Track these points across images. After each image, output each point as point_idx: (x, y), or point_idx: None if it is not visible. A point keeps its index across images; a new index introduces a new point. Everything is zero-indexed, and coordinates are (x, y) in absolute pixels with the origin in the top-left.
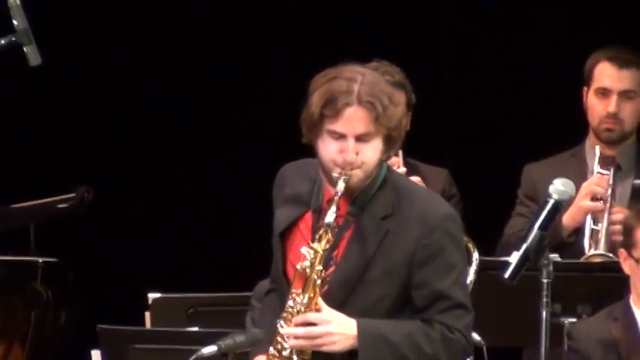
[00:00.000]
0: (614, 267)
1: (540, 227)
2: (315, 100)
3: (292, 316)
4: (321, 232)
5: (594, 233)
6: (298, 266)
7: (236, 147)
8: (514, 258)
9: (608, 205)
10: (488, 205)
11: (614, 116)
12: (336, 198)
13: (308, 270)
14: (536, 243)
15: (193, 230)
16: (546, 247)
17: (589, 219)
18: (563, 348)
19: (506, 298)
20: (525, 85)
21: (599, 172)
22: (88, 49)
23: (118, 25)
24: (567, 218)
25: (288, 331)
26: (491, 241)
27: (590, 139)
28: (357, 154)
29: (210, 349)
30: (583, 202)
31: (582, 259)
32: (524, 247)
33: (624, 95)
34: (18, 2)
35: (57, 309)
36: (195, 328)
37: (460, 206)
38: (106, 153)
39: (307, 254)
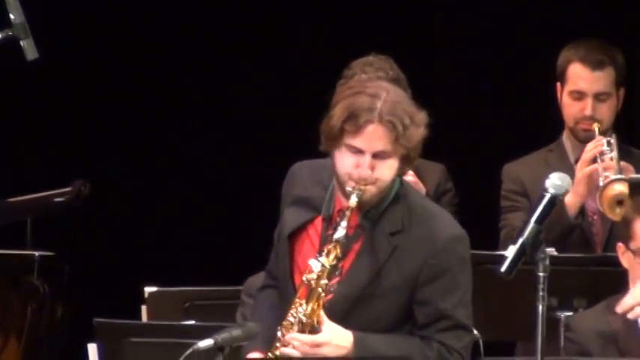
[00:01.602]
0: (609, 261)
1: (537, 221)
2: (338, 114)
3: (293, 325)
4: (330, 246)
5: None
6: (304, 278)
7: (235, 142)
8: (510, 252)
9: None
10: (484, 200)
11: (590, 118)
12: (347, 213)
13: (313, 282)
14: (533, 237)
15: (189, 224)
16: (542, 241)
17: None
18: (558, 341)
19: (503, 292)
20: (523, 80)
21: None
22: (85, 41)
23: (116, 18)
24: (570, 195)
25: (288, 342)
26: (486, 236)
27: (566, 133)
28: (372, 170)
29: (206, 343)
30: (582, 169)
31: (602, 184)
32: (520, 241)
33: (598, 97)
34: None
35: (53, 303)
36: (192, 322)
37: (455, 201)
38: (102, 147)
39: (314, 267)
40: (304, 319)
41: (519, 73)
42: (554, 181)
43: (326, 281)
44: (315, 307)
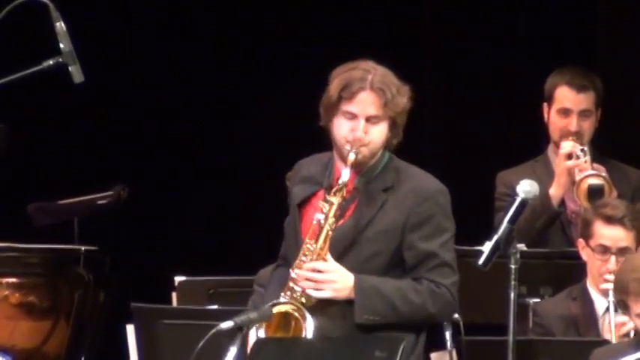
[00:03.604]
0: (571, 255)
1: (509, 221)
2: (334, 85)
3: (304, 262)
4: (336, 188)
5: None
6: (315, 217)
7: (256, 138)
8: (486, 247)
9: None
10: (468, 200)
11: (575, 133)
12: (349, 164)
13: (322, 220)
14: (506, 234)
15: (214, 221)
16: (514, 238)
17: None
18: (527, 323)
19: (480, 282)
20: (508, 87)
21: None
22: (125, 62)
23: (143, 36)
24: (553, 187)
25: (300, 273)
26: (471, 232)
27: (551, 147)
28: (365, 133)
29: (227, 324)
30: (562, 163)
31: (578, 179)
32: (495, 238)
33: (582, 115)
34: (64, 28)
35: (96, 290)
36: (215, 306)
37: None
38: (138, 154)
39: (323, 207)
40: (315, 256)
41: (507, 85)
42: (524, 187)
43: (333, 219)
44: (323, 245)
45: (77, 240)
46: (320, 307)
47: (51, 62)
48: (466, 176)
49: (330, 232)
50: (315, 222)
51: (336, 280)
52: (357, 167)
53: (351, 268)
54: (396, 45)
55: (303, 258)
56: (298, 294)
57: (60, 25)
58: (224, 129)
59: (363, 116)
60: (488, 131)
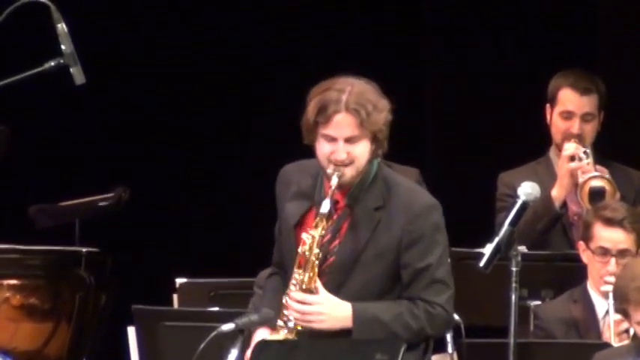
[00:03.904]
0: (572, 257)
1: (510, 223)
2: (311, 109)
3: (294, 291)
4: (317, 220)
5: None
6: (299, 250)
7: (257, 140)
8: (487, 250)
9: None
10: (465, 202)
11: (577, 136)
12: (330, 191)
13: (307, 253)
14: (507, 237)
15: (216, 223)
16: (515, 241)
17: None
18: (528, 326)
19: (481, 284)
20: (504, 91)
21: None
22: (122, 66)
23: (144, 41)
24: (555, 189)
25: (289, 303)
26: (467, 235)
27: (553, 149)
28: (347, 153)
29: (228, 326)
30: (565, 165)
31: (581, 181)
32: (496, 240)
33: (585, 118)
34: (65, 29)
35: (98, 292)
36: (216, 308)
37: None
38: (138, 157)
39: (306, 239)
40: (304, 286)
41: (508, 86)
42: (526, 189)
43: (317, 250)
44: (312, 274)
45: (78, 242)
46: (317, 331)
47: (52, 64)
48: (467, 178)
49: (316, 262)
50: (300, 252)
51: (323, 312)
52: (345, 186)
53: (351, 296)
54: (396, 45)
55: (292, 287)
56: (292, 324)
57: (61, 27)
58: (226, 131)
59: (341, 138)
60: (489, 133)
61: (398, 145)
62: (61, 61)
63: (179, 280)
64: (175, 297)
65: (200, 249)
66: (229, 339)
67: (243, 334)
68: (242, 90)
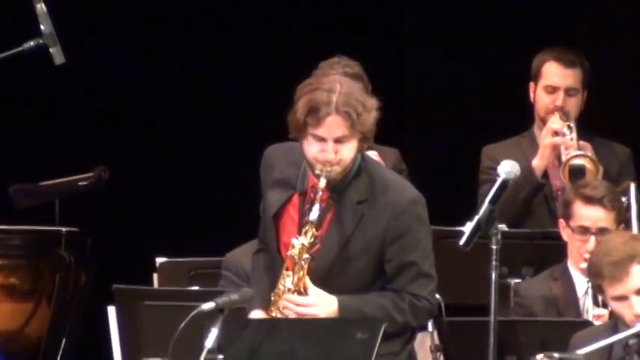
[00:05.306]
0: (552, 235)
1: (490, 201)
2: (300, 108)
3: (283, 293)
4: (306, 227)
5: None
6: (288, 254)
7: (237, 116)
8: (468, 228)
9: (569, 136)
10: (445, 181)
11: (560, 109)
12: (317, 196)
13: (296, 257)
14: (487, 215)
15: (195, 202)
16: (495, 219)
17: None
18: (509, 304)
19: (462, 262)
20: (482, 74)
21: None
22: (109, 45)
23: (129, 24)
24: (536, 160)
25: (283, 302)
26: (446, 212)
27: (537, 125)
28: (335, 153)
29: (208, 305)
30: (547, 140)
31: (564, 159)
32: (476, 218)
33: (568, 92)
34: (44, 9)
35: (78, 271)
36: (196, 288)
37: (408, 179)
38: (117, 138)
39: (296, 245)
40: (292, 287)
41: (488, 66)
42: (506, 168)
43: (307, 255)
44: (300, 275)
45: (58, 222)
46: None
47: (32, 44)
48: (447, 157)
49: (305, 266)
50: (289, 256)
51: (318, 313)
52: (330, 182)
53: (336, 290)
54: (375, 22)
55: (281, 287)
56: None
57: (41, 7)
58: (202, 109)
59: (331, 139)
60: (469, 111)
61: (377, 124)
62: (41, 41)
63: (159, 260)
64: (155, 276)
65: (180, 228)
66: (209, 318)
67: (223, 314)
68: (215, 67)
